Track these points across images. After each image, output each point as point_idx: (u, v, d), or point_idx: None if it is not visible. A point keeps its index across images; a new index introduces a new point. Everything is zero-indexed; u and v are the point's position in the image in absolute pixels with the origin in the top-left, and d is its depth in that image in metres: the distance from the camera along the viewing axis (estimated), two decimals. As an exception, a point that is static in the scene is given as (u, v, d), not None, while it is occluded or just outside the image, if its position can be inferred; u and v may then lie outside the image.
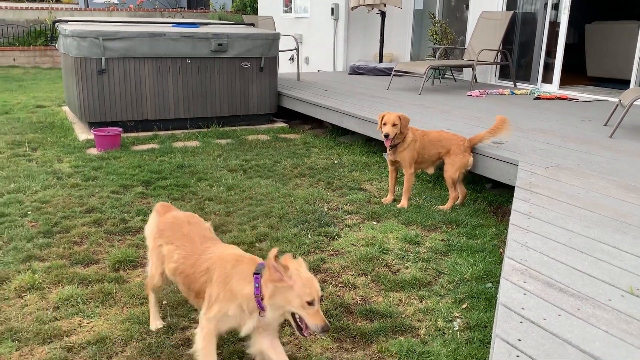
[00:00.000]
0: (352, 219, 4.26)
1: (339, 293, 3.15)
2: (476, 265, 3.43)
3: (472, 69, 8.21)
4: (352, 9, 10.09)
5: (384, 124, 4.40)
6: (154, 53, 6.72)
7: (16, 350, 2.56)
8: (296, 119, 8.10)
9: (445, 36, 9.35)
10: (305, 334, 2.13)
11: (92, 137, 6.28)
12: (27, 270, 3.30)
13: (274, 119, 7.94)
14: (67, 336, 2.67)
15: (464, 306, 3.01)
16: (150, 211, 4.30)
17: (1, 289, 3.10)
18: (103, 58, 6.45)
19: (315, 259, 3.56)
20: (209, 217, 4.25)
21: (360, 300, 3.08)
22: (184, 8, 20.11)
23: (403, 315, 2.91)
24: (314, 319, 2.08)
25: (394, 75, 8.33)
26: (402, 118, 4.39)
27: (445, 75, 9.58)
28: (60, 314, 2.87)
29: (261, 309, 2.14)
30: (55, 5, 18.01)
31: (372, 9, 9.99)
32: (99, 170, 5.37)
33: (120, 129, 6.38)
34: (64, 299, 2.98)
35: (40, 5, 17.90)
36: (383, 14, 10.12)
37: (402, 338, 2.71)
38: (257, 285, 2.14)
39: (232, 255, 2.35)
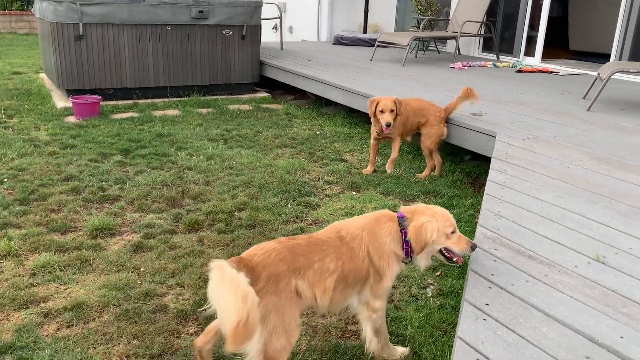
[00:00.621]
0: (332, 189, 4.29)
1: (316, 261, 3.18)
2: (452, 235, 3.49)
3: (456, 40, 8.19)
4: (337, -23, 9.94)
5: (382, 112, 4.32)
6: (133, 19, 6.58)
7: (-8, 315, 2.57)
8: (279, 89, 8.04)
9: (430, 7, 9.28)
10: (455, 261, 2.21)
11: (70, 104, 6.18)
12: (3, 237, 3.29)
13: (256, 89, 7.87)
14: (43, 302, 2.68)
15: (438, 274, 3.07)
16: (129, 179, 4.30)
17: (-23, 256, 3.09)
18: (80, 24, 6.30)
19: (294, 227, 3.59)
20: (189, 186, 4.25)
21: (336, 268, 3.12)
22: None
23: (378, 283, 2.96)
24: (459, 245, 2.19)
25: (378, 46, 8.28)
26: (397, 102, 4.34)
27: (429, 47, 9.54)
28: (36, 280, 2.87)
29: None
30: (31, -31, 17.43)
31: (357, -22, 9.85)
32: (77, 138, 5.30)
33: (99, 97, 6.28)
34: (40, 265, 2.98)
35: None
36: (368, -16, 9.99)
37: (376, 304, 2.76)
38: (405, 246, 2.16)
39: (367, 224, 2.19)
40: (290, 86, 7.51)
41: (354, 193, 4.24)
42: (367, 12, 10.19)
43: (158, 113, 6.41)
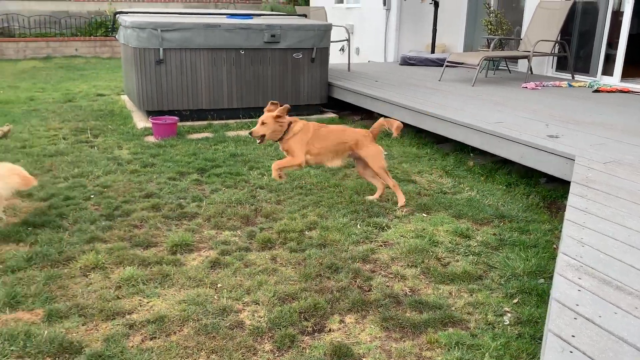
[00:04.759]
0: (402, 211, 4.26)
1: (388, 283, 3.18)
2: (528, 261, 3.38)
3: (528, 60, 7.98)
4: (405, -1, 9.98)
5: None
6: (209, 44, 6.88)
7: (82, 324, 2.73)
8: (346, 109, 8.12)
9: (500, 26, 9.12)
10: None
11: (150, 125, 6.52)
12: (91, 250, 3.50)
13: (323, 110, 7.99)
14: (128, 314, 2.82)
15: (515, 301, 2.98)
16: (205, 197, 4.47)
17: (68, 268, 3.30)
18: (161, 49, 6.66)
19: (364, 249, 3.60)
20: (261, 204, 4.36)
21: (409, 292, 3.10)
22: (237, -1, 20.39)
23: (453, 308, 2.91)
24: None
25: (447, 66, 8.21)
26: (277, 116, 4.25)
27: (500, 67, 9.35)
28: (122, 292, 3.03)
29: None
30: (115, -3, 18.65)
31: (425, -1, 9.85)
32: (156, 157, 5.58)
33: (176, 118, 6.59)
34: (125, 278, 3.15)
35: (101, -3, 18.57)
36: (436, 4, 9.97)
37: (451, 330, 2.72)
38: None
39: None
40: (357, 107, 7.58)
41: (424, 215, 4.20)
42: (435, 32, 10.15)
43: (231, 133, 6.63)
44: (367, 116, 7.84)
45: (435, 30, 10.15)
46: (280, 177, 4.37)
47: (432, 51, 10.30)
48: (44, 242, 3.59)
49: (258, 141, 4.34)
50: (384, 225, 3.97)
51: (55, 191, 4.51)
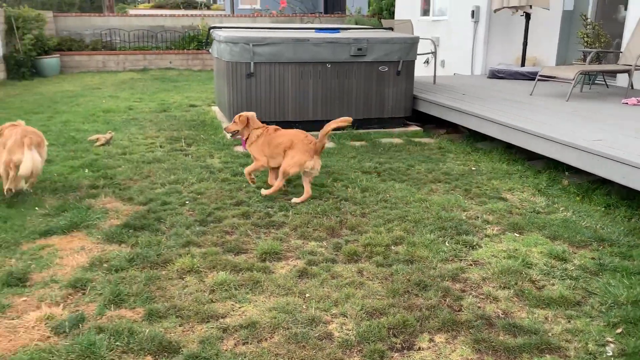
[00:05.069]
0: (493, 229, 4.13)
1: (479, 304, 3.08)
2: (632, 289, 3.16)
3: (629, 74, 7.50)
4: (495, 11, 9.73)
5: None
6: (298, 58, 7.05)
7: (179, 325, 2.87)
8: (430, 123, 8.01)
9: (598, 39, 8.65)
10: None
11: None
12: (187, 254, 3.67)
13: (407, 123, 7.93)
14: (222, 318, 2.93)
15: (619, 331, 2.79)
16: (291, 207, 4.56)
17: (166, 270, 3.48)
18: (252, 62, 6.90)
19: (453, 267, 3.51)
20: (346, 216, 4.38)
21: (502, 314, 2.99)
22: (322, 13, 20.78)
23: (549, 334, 2.78)
24: None
25: (539, 80, 7.89)
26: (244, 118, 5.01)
27: (596, 81, 8.85)
28: (215, 296, 3.15)
29: None
30: (206, 12, 19.61)
31: (517, 10, 9.55)
32: (245, 166, 5.75)
33: (263, 128, 6.78)
34: (218, 283, 3.27)
35: (194, 12, 19.61)
36: (528, 16, 9.62)
37: (548, 357, 2.60)
38: None
39: None
40: (441, 120, 7.45)
41: (517, 235, 4.04)
42: (526, 45, 9.79)
43: (315, 145, 6.73)
44: (452, 130, 7.69)
45: (526, 42, 9.79)
46: (252, 181, 5.02)
47: (522, 64, 9.95)
48: (144, 244, 3.81)
49: (229, 135, 5.11)
50: (474, 243, 3.86)
51: (154, 196, 4.78)
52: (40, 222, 4.20)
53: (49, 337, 2.76)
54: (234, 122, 5.03)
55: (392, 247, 3.83)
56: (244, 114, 5.06)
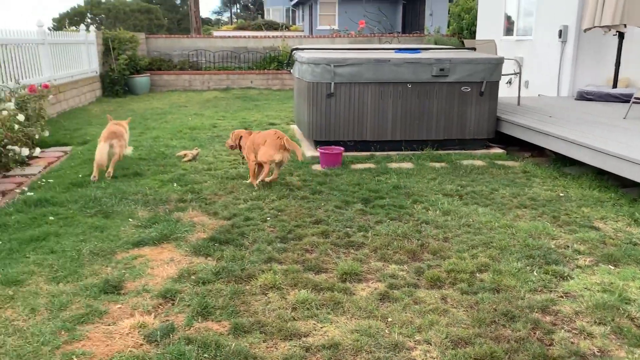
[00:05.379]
0: (585, 260, 3.91)
1: (572, 340, 2.92)
2: None
3: None
4: (585, 30, 9.31)
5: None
6: (378, 78, 7.07)
7: (263, 341, 2.92)
8: (513, 145, 7.74)
9: (702, 58, 8.05)
10: None
11: (317, 154, 6.85)
12: (269, 270, 3.74)
13: (489, 145, 7.71)
14: (304, 336, 2.95)
15: None
16: (370, 228, 4.54)
17: (249, 285, 3.56)
18: (332, 83, 7.01)
19: (543, 298, 3.35)
20: (427, 240, 4.30)
21: (597, 352, 2.81)
22: (400, 32, 20.80)
23: (653, 378, 2.58)
24: None
25: (634, 102, 7.44)
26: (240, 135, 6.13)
27: (699, 103, 8.22)
28: (297, 314, 3.18)
29: None
30: (287, 34, 20.17)
31: (609, 30, 9.09)
32: (323, 185, 5.83)
33: (342, 148, 6.84)
34: (300, 301, 3.30)
35: (275, 34, 20.24)
36: (621, 35, 9.13)
37: (653, 404, 2.40)
38: None
39: None
40: (525, 143, 7.19)
41: (611, 267, 3.80)
42: (619, 66, 9.28)
43: (393, 165, 6.70)
44: (537, 153, 7.39)
45: (619, 63, 9.28)
46: (256, 185, 5.67)
47: (614, 86, 9.42)
48: (229, 258, 3.92)
49: (228, 147, 6.27)
50: (565, 274, 3.67)
51: (237, 211, 4.93)
52: (133, 232, 4.44)
53: (141, 344, 2.89)
54: (230, 138, 6.19)
55: (477, 274, 3.71)
56: (237, 131, 6.22)
